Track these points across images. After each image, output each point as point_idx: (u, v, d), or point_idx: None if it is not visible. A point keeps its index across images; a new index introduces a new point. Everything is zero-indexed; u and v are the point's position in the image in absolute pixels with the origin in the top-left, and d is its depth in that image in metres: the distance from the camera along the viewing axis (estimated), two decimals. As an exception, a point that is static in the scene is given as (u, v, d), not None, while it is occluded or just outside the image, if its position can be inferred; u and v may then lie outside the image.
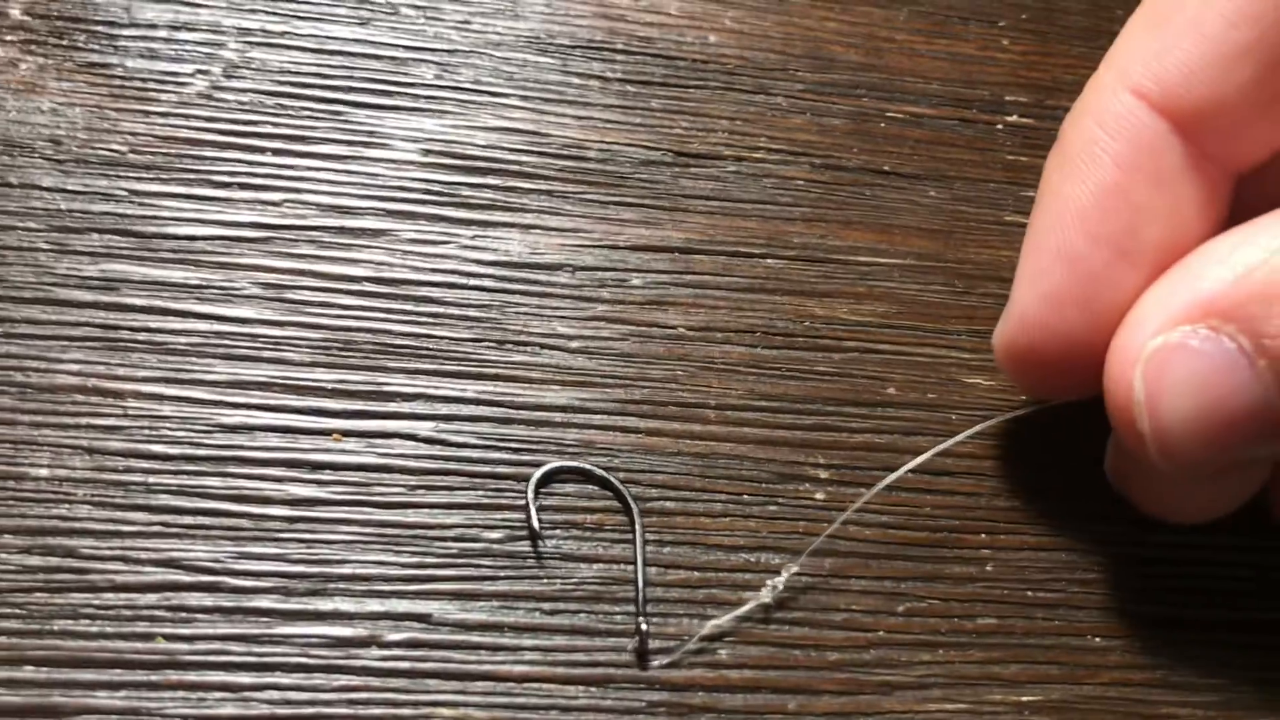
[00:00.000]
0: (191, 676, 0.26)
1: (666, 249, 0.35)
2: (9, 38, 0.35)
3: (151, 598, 0.27)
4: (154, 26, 0.36)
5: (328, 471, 0.30)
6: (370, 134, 0.36)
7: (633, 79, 0.38)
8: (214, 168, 0.34)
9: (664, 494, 0.31)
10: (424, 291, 0.33)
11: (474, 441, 0.31)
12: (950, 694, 0.29)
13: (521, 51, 0.38)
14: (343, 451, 0.30)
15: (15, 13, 0.36)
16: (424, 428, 0.31)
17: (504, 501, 0.30)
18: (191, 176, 0.34)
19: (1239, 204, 0.30)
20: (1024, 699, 0.29)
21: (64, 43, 0.35)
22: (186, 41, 0.36)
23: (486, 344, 0.32)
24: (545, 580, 0.29)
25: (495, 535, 0.29)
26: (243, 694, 0.26)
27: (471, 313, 0.33)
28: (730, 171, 0.37)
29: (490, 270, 0.34)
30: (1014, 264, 0.31)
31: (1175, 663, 0.30)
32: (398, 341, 0.32)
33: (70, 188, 0.33)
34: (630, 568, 0.29)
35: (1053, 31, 0.43)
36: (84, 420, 0.29)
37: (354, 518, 0.29)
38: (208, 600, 0.27)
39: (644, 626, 0.28)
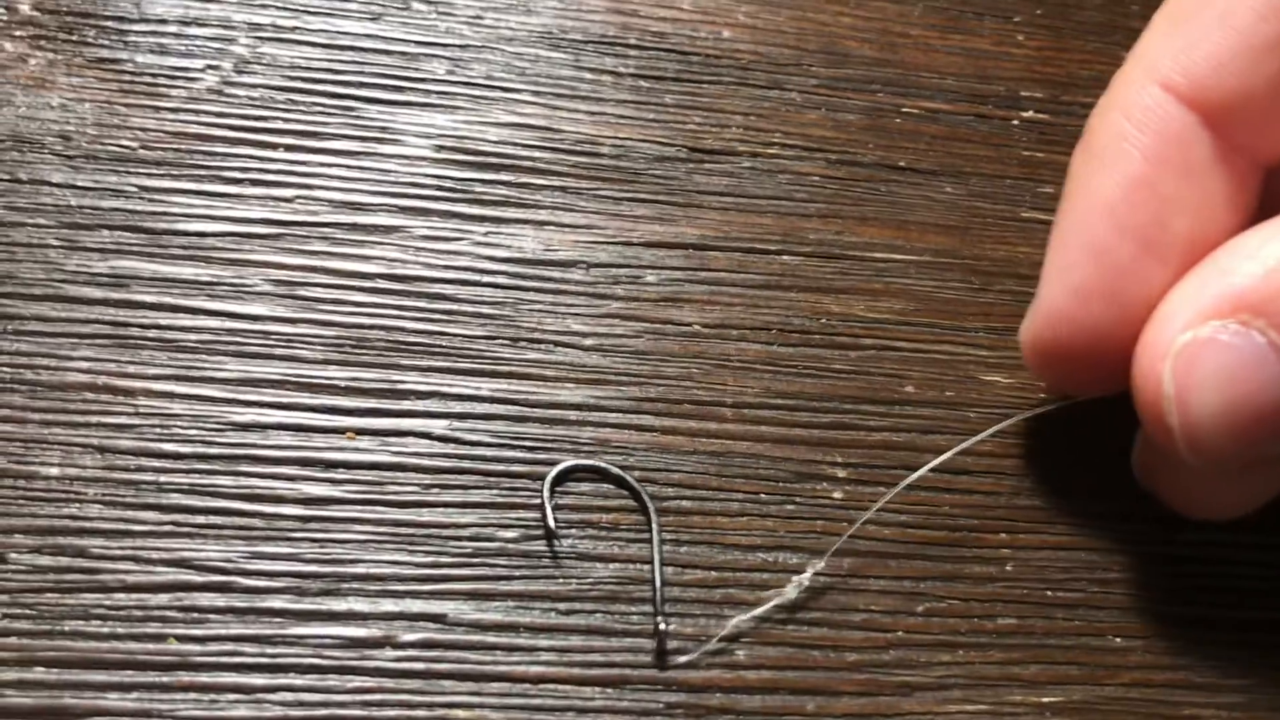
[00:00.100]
0: (204, 678, 0.26)
1: (681, 245, 0.35)
2: (18, 33, 0.35)
3: (163, 598, 0.27)
4: (164, 22, 0.36)
5: (341, 470, 0.29)
6: (382, 130, 0.35)
7: (646, 74, 0.38)
8: (225, 164, 0.34)
9: (680, 493, 0.30)
10: (437, 288, 0.33)
11: (488, 440, 0.30)
12: (970, 695, 0.29)
13: (534, 47, 0.38)
14: (356, 450, 0.30)
15: (24, 8, 0.35)
16: (438, 426, 0.30)
17: (519, 500, 0.30)
18: (202, 172, 0.33)
19: (1268, 197, 0.30)
20: (1044, 700, 0.29)
21: (74, 38, 0.35)
22: (197, 37, 0.36)
23: (500, 341, 0.32)
24: (561, 580, 0.29)
25: (510, 534, 0.29)
26: (255, 695, 0.26)
27: (485, 310, 0.33)
28: (745, 167, 0.37)
29: (504, 267, 0.33)
30: (1031, 260, 0.31)
31: (1198, 663, 0.30)
32: (411, 339, 0.32)
33: (80, 184, 0.33)
34: (646, 567, 0.29)
35: (1068, 27, 0.42)
36: (94, 419, 0.29)
37: (368, 517, 0.29)
38: (220, 601, 0.27)
39: (663, 626, 0.28)
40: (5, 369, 0.29)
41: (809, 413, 0.32)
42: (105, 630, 0.26)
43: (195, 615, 0.27)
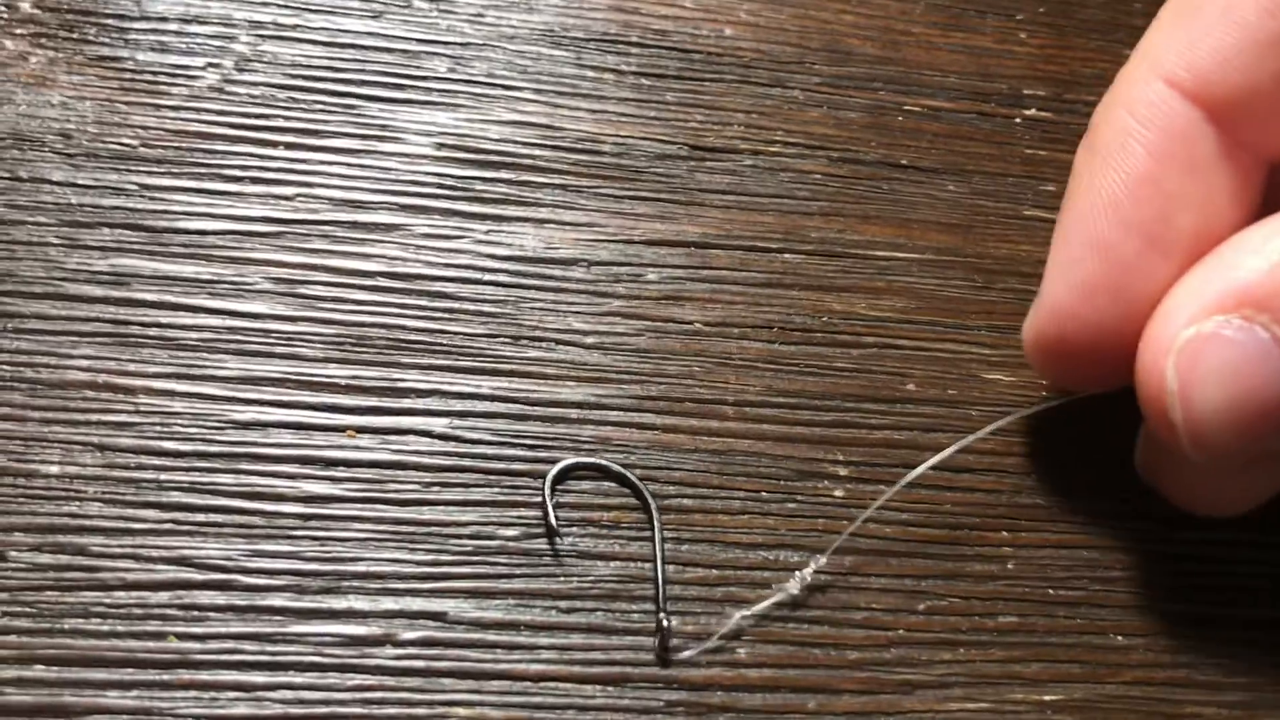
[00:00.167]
0: (204, 676, 0.26)
1: (682, 244, 0.35)
2: (19, 31, 0.35)
3: (163, 596, 0.27)
4: (165, 20, 0.36)
5: (341, 468, 0.29)
6: (383, 128, 0.35)
7: (648, 72, 0.38)
8: (225, 162, 0.34)
9: (681, 491, 0.30)
10: (438, 287, 0.33)
11: (489, 438, 0.30)
12: (972, 693, 0.29)
13: (535, 45, 0.38)
14: (356, 448, 0.30)
15: (25, 6, 0.35)
16: (439, 424, 0.30)
17: (520, 499, 0.30)
18: (203, 171, 0.33)
19: (1272, 192, 0.30)
20: (1046, 698, 0.29)
21: (74, 36, 0.35)
22: (198, 35, 0.36)
23: (501, 340, 0.32)
24: (562, 578, 0.29)
25: (511, 533, 0.29)
26: (256, 693, 0.26)
27: (486, 308, 0.32)
28: (746, 166, 0.37)
29: (505, 265, 0.33)
30: (1034, 258, 0.31)
31: (1199, 661, 0.30)
32: (412, 337, 0.32)
33: (80, 182, 0.33)
34: (647, 565, 0.29)
35: (1070, 25, 0.42)
36: (94, 417, 0.29)
37: (368, 515, 0.29)
38: (220, 599, 0.27)
39: (665, 623, 0.28)
40: (6, 367, 0.29)
41: (811, 411, 0.32)
42: (105, 628, 0.26)
43: (195, 613, 0.27)
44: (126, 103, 0.34)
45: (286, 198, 0.33)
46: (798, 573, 0.29)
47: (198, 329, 0.31)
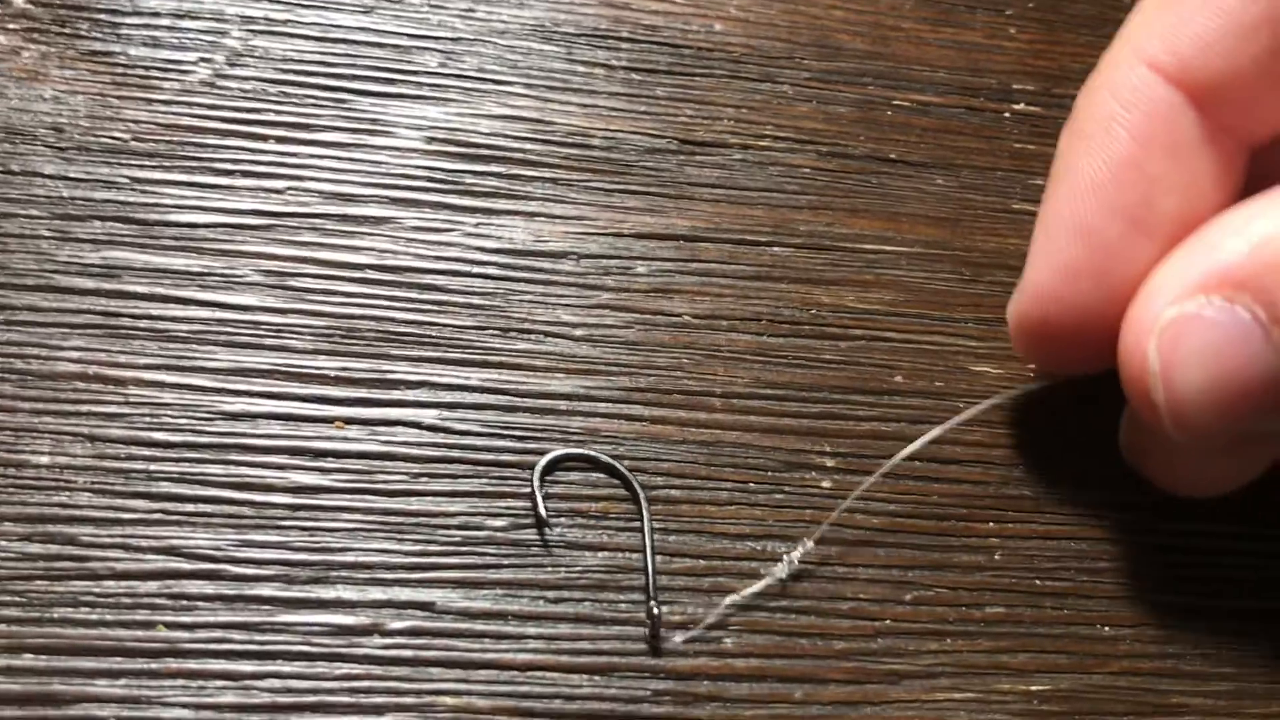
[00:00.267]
0: (192, 664, 0.26)
1: (672, 237, 0.35)
2: (11, 25, 0.35)
3: (152, 585, 0.27)
4: (157, 14, 0.36)
5: (330, 459, 0.29)
6: (374, 122, 0.35)
7: (638, 67, 0.38)
8: (217, 155, 0.34)
9: (669, 482, 0.31)
10: (427, 279, 0.33)
11: (478, 429, 0.31)
12: (958, 683, 0.29)
13: (526, 39, 0.38)
14: (345, 439, 0.30)
15: (18, 1, 0.35)
16: (428, 415, 0.31)
17: (508, 489, 0.30)
18: (194, 164, 0.34)
19: (1254, 177, 0.30)
20: (1033, 688, 0.29)
21: (66, 30, 0.35)
22: (189, 29, 0.36)
23: (490, 332, 0.32)
24: (549, 568, 0.29)
25: (499, 523, 0.29)
26: (244, 682, 0.26)
27: (475, 300, 0.33)
28: (736, 159, 0.37)
29: (494, 258, 0.33)
30: (1022, 252, 0.31)
31: (1186, 652, 0.30)
32: (401, 329, 0.32)
33: (72, 175, 0.33)
34: (635, 556, 0.29)
35: (1060, 20, 0.43)
36: (85, 408, 0.29)
37: (357, 505, 0.29)
38: (209, 588, 0.27)
39: (655, 611, 0.28)
40: (-4, 358, 0.30)
41: (798, 402, 0.32)
42: (94, 617, 0.27)
43: (184, 602, 0.27)
44: (118, 97, 0.34)
45: (277, 191, 0.33)
46: (785, 557, 0.30)
47: (188, 321, 0.31)
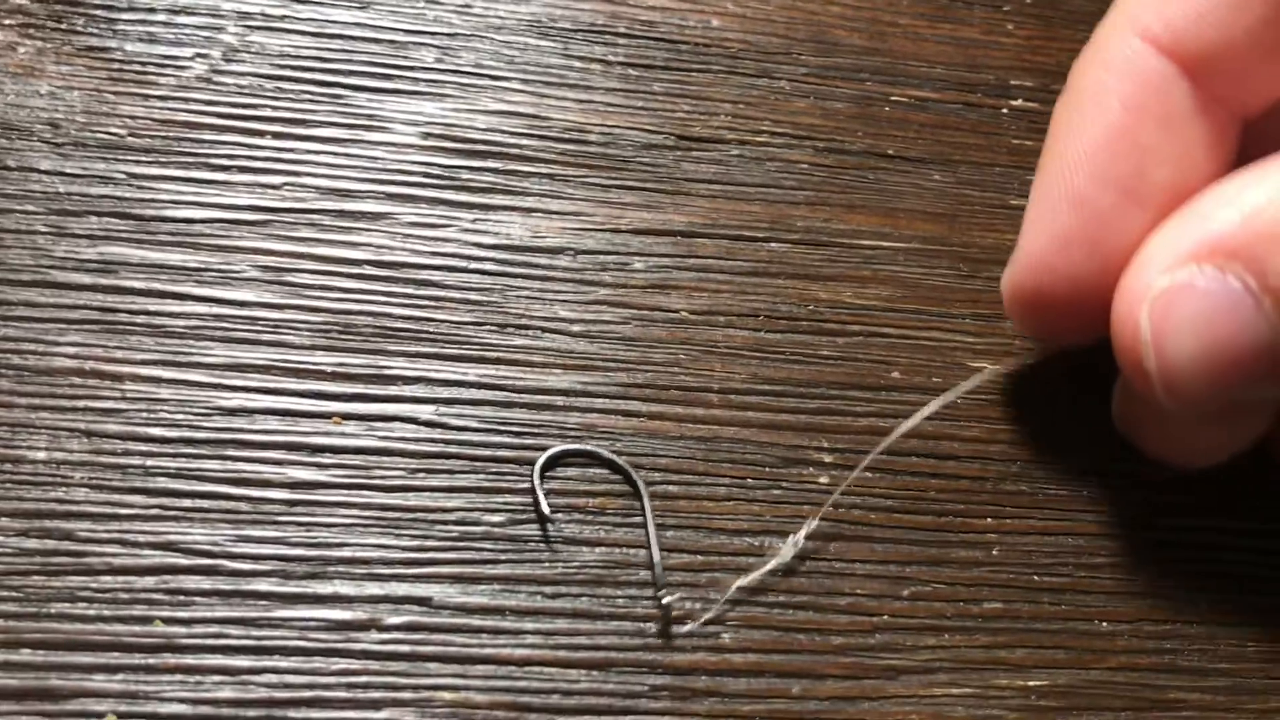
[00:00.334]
0: (189, 660, 0.26)
1: (669, 233, 0.35)
2: (7, 21, 0.35)
3: (149, 581, 0.27)
4: (153, 10, 0.36)
5: (327, 455, 0.29)
6: (370, 117, 0.35)
7: (635, 63, 0.38)
8: (213, 151, 0.34)
9: (667, 478, 0.31)
10: (424, 275, 0.33)
11: (475, 425, 0.30)
12: (956, 678, 0.29)
13: (523, 35, 0.38)
14: (343, 435, 0.30)
15: (13, -4, 0.35)
16: (425, 411, 0.30)
17: (505, 485, 0.30)
18: (190, 160, 0.33)
19: (1247, 148, 0.30)
20: (1030, 684, 0.29)
21: (62, 26, 0.35)
22: (186, 25, 0.36)
23: (488, 328, 0.32)
24: (547, 564, 0.29)
25: (496, 519, 0.29)
26: (241, 677, 0.26)
27: (472, 296, 0.33)
28: (733, 155, 0.37)
29: (491, 254, 0.33)
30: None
31: (1183, 648, 0.30)
32: (398, 325, 0.32)
33: (69, 171, 0.33)
34: (632, 551, 0.29)
35: (1057, 16, 0.43)
36: (82, 403, 0.29)
37: (354, 501, 0.29)
38: (206, 583, 0.27)
39: (665, 599, 0.28)
40: (-8, 354, 0.29)
41: (796, 398, 0.32)
42: (91, 612, 0.26)
43: (181, 598, 0.27)
44: (114, 92, 0.34)
45: (274, 186, 0.33)
46: (791, 536, 0.30)
47: (185, 316, 0.31)
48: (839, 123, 0.38)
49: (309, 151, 0.34)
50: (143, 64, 0.35)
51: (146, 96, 0.34)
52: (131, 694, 0.26)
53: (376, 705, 0.26)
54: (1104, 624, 0.30)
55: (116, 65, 0.35)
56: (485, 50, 0.37)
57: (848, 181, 0.37)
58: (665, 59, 0.38)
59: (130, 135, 0.34)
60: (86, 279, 0.31)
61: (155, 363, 0.30)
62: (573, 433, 0.31)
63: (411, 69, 0.37)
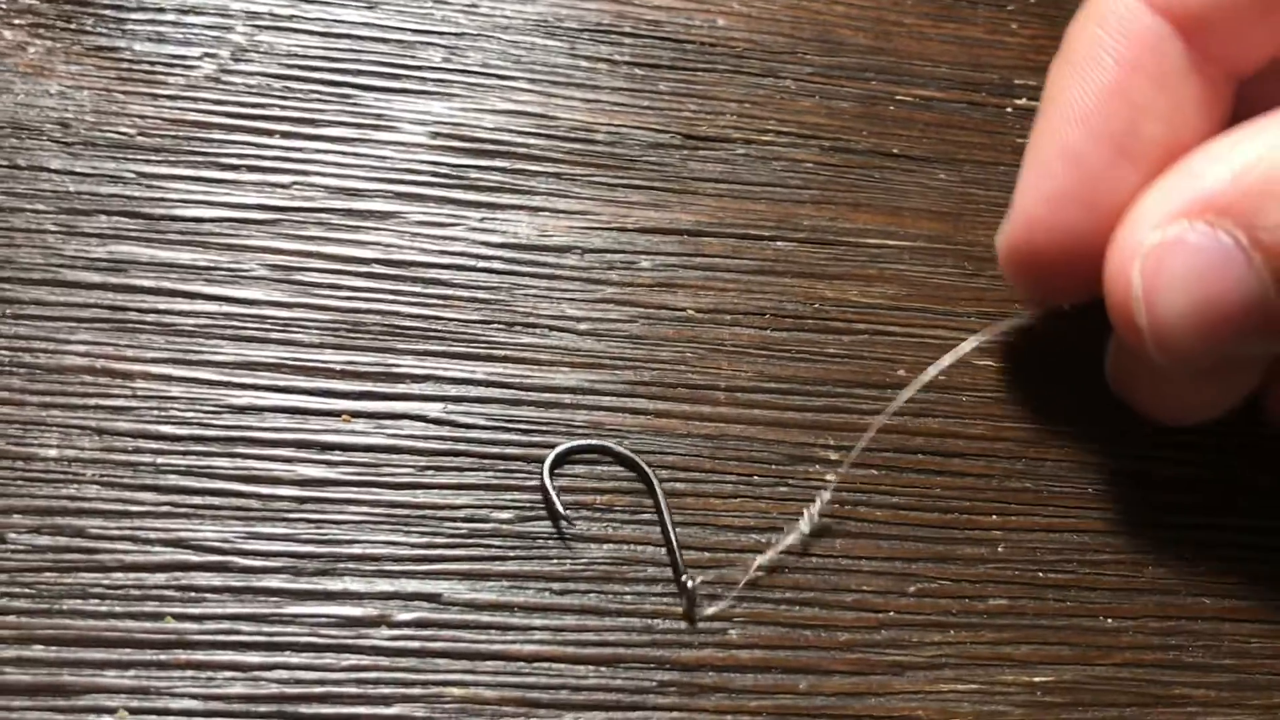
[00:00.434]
0: (200, 656, 0.26)
1: (675, 231, 0.35)
2: (17, 21, 0.35)
3: (160, 577, 0.27)
4: (162, 10, 0.36)
5: (337, 452, 0.30)
6: (378, 117, 0.36)
7: (641, 62, 0.38)
8: (222, 150, 0.34)
9: (674, 475, 0.31)
10: (433, 273, 0.33)
11: (483, 423, 0.31)
12: (962, 674, 0.29)
13: (530, 35, 0.38)
14: (352, 432, 0.30)
15: (23, -4, 0.36)
16: (433, 409, 0.31)
17: (513, 482, 0.30)
18: (199, 159, 0.34)
19: (1240, 109, 0.30)
20: (1036, 680, 0.29)
21: (72, 26, 0.35)
22: (194, 25, 0.36)
23: (495, 326, 0.32)
24: (555, 560, 0.29)
25: (505, 516, 0.29)
26: (252, 673, 0.26)
27: (480, 295, 0.33)
28: (739, 154, 0.37)
29: (499, 252, 0.34)
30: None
31: (1188, 644, 0.30)
32: (406, 323, 0.32)
33: (78, 170, 0.33)
34: (640, 548, 0.29)
35: (1061, 15, 0.42)
36: (92, 401, 0.29)
37: (363, 498, 0.29)
38: (217, 580, 0.27)
39: (690, 584, 0.28)
40: (4, 352, 0.30)
41: (802, 396, 0.33)
42: (103, 609, 0.27)
43: (192, 594, 0.27)
44: (124, 92, 0.34)
45: (282, 185, 0.34)
46: (805, 511, 0.30)
47: (194, 315, 0.31)
48: (844, 122, 0.38)
49: (317, 151, 0.34)
50: (152, 63, 0.35)
51: (155, 96, 0.35)
52: (143, 690, 0.26)
53: (386, 701, 0.27)
54: (1109, 620, 0.30)
55: (126, 65, 0.35)
56: (492, 50, 0.38)
57: (853, 180, 0.37)
58: (671, 58, 0.39)
59: (140, 134, 0.34)
60: (96, 278, 0.31)
61: (165, 361, 0.30)
62: (580, 430, 0.31)
63: (419, 69, 0.37)
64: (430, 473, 0.30)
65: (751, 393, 0.32)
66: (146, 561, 0.27)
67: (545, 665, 0.28)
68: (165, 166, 0.33)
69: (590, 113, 0.37)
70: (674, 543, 0.29)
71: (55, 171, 0.33)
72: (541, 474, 0.30)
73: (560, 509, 0.29)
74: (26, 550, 0.27)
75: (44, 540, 0.27)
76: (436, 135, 0.35)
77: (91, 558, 0.27)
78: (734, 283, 0.34)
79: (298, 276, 0.32)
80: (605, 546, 0.29)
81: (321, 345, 0.31)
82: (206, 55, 0.36)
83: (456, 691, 0.27)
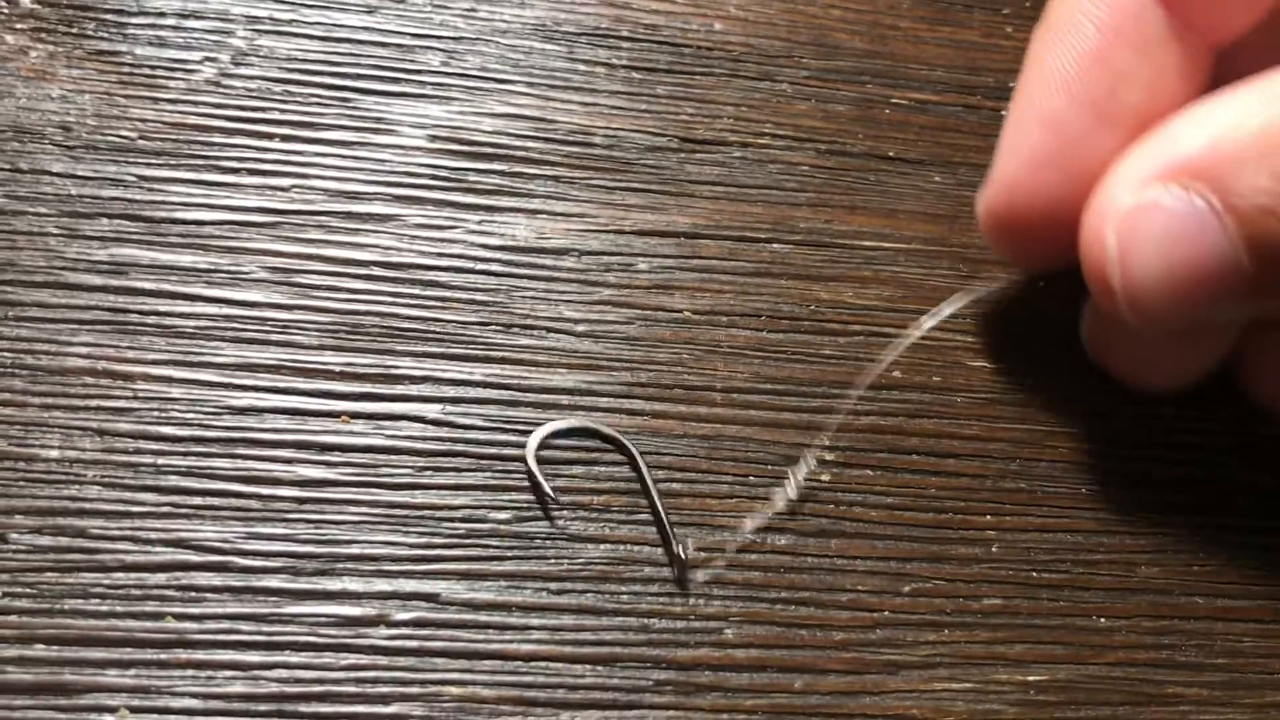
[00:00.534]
0: (201, 655, 0.27)
1: (672, 234, 0.35)
2: (19, 26, 0.35)
3: (161, 577, 0.27)
4: (163, 14, 0.36)
5: (336, 453, 0.30)
6: (377, 120, 0.36)
7: (638, 66, 0.39)
8: (222, 154, 0.34)
9: (670, 475, 0.31)
10: (431, 276, 0.33)
11: (481, 424, 0.31)
12: (956, 673, 0.29)
13: (528, 39, 0.38)
14: (351, 433, 0.30)
15: (25, 1, 0.36)
16: (432, 410, 0.31)
17: (511, 483, 0.30)
18: (200, 162, 0.34)
19: (1220, 79, 0.31)
20: (1030, 679, 0.29)
21: (73, 30, 0.36)
22: (195, 30, 0.36)
23: (494, 328, 0.32)
24: (552, 560, 0.29)
25: (502, 516, 0.30)
26: (252, 672, 0.27)
27: (479, 297, 0.33)
28: (736, 157, 0.37)
29: (497, 255, 0.34)
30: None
31: (1180, 643, 0.31)
32: (405, 325, 0.32)
33: (80, 173, 0.33)
34: (637, 548, 0.30)
35: (1057, 19, 0.43)
36: (94, 402, 0.30)
37: (362, 499, 0.29)
38: (217, 580, 0.28)
39: (681, 553, 0.29)
40: (6, 354, 0.30)
41: (798, 397, 0.33)
42: (104, 609, 0.27)
43: (193, 594, 0.27)
44: (125, 96, 0.35)
45: (282, 189, 0.34)
46: (789, 474, 0.30)
47: (195, 317, 0.31)
48: (840, 125, 0.38)
49: (317, 154, 0.35)
50: (153, 68, 0.35)
51: (156, 100, 0.35)
52: (144, 689, 0.26)
53: (385, 700, 0.27)
54: (1102, 620, 0.31)
55: (127, 69, 0.35)
56: (491, 54, 0.38)
57: (849, 183, 0.37)
58: (668, 62, 0.39)
59: (141, 138, 0.34)
60: (98, 280, 0.31)
61: (166, 362, 0.30)
62: (577, 432, 0.31)
63: (418, 73, 0.37)
64: (428, 473, 0.30)
65: (748, 394, 0.33)
66: (147, 561, 0.28)
67: (542, 664, 0.28)
68: (166, 170, 0.34)
69: (588, 116, 0.37)
70: (662, 514, 0.29)
71: (57, 175, 0.33)
72: (527, 461, 0.30)
73: (547, 489, 0.30)
74: (28, 550, 0.27)
75: (46, 540, 0.27)
76: (435, 139, 0.36)
77: (93, 558, 0.27)
78: (730, 285, 0.34)
79: (297, 279, 0.32)
80: (602, 546, 0.30)
81: (321, 347, 0.31)
82: (207, 59, 0.36)
83: (454, 690, 0.27)
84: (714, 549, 0.30)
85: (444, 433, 0.31)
